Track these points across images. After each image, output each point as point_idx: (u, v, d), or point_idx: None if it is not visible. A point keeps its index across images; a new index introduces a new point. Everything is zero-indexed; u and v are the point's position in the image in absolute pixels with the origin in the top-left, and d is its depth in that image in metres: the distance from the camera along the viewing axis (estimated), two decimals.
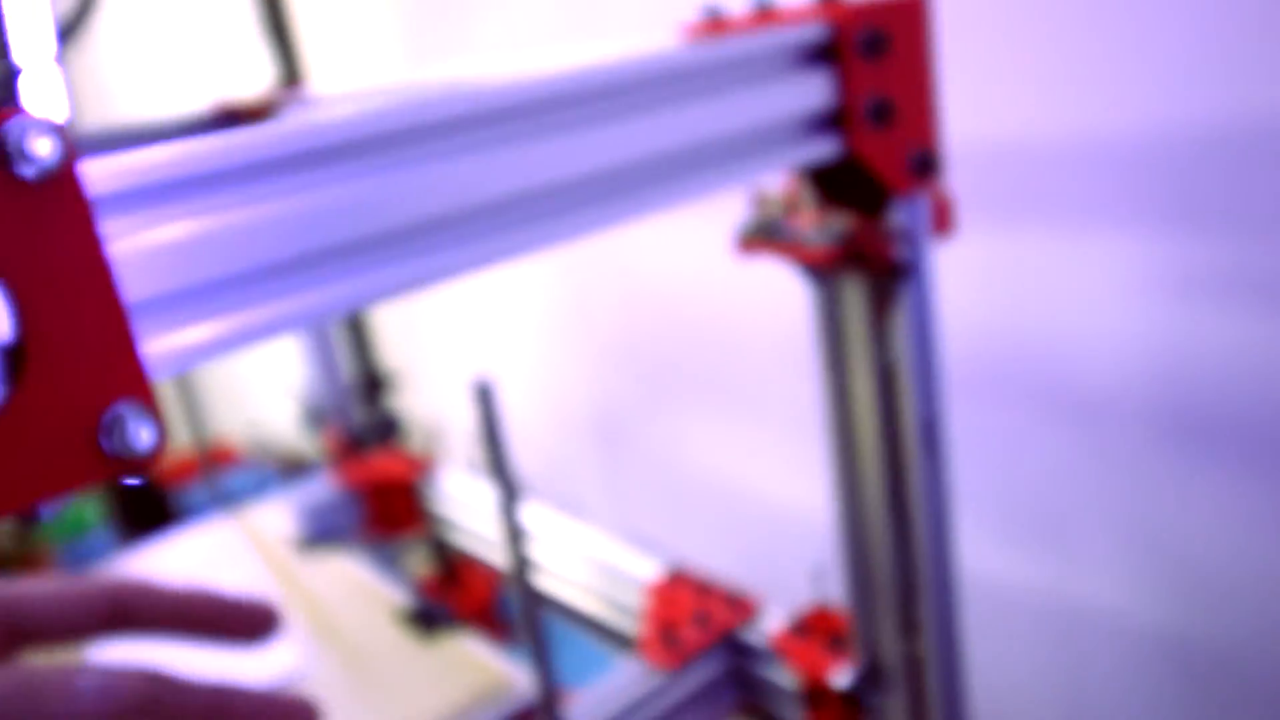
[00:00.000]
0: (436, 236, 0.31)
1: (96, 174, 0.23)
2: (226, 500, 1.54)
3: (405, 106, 0.29)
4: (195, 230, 0.25)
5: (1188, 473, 0.71)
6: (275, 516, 0.80)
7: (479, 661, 0.55)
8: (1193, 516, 0.72)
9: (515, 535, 0.39)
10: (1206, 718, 0.78)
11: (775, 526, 1.11)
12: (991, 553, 0.85)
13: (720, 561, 1.24)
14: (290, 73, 1.41)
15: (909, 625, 0.47)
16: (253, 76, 1.42)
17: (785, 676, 0.55)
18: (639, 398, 1.25)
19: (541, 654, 0.42)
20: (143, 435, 0.20)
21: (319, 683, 0.55)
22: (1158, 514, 0.74)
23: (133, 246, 0.24)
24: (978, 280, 0.75)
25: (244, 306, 0.26)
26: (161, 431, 0.21)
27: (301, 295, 0.28)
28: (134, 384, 0.21)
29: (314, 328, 0.98)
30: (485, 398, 0.38)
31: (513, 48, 1.17)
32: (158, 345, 0.24)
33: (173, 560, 0.75)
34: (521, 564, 0.40)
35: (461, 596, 1.35)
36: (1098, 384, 0.73)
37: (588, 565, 0.69)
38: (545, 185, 0.32)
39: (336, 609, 0.62)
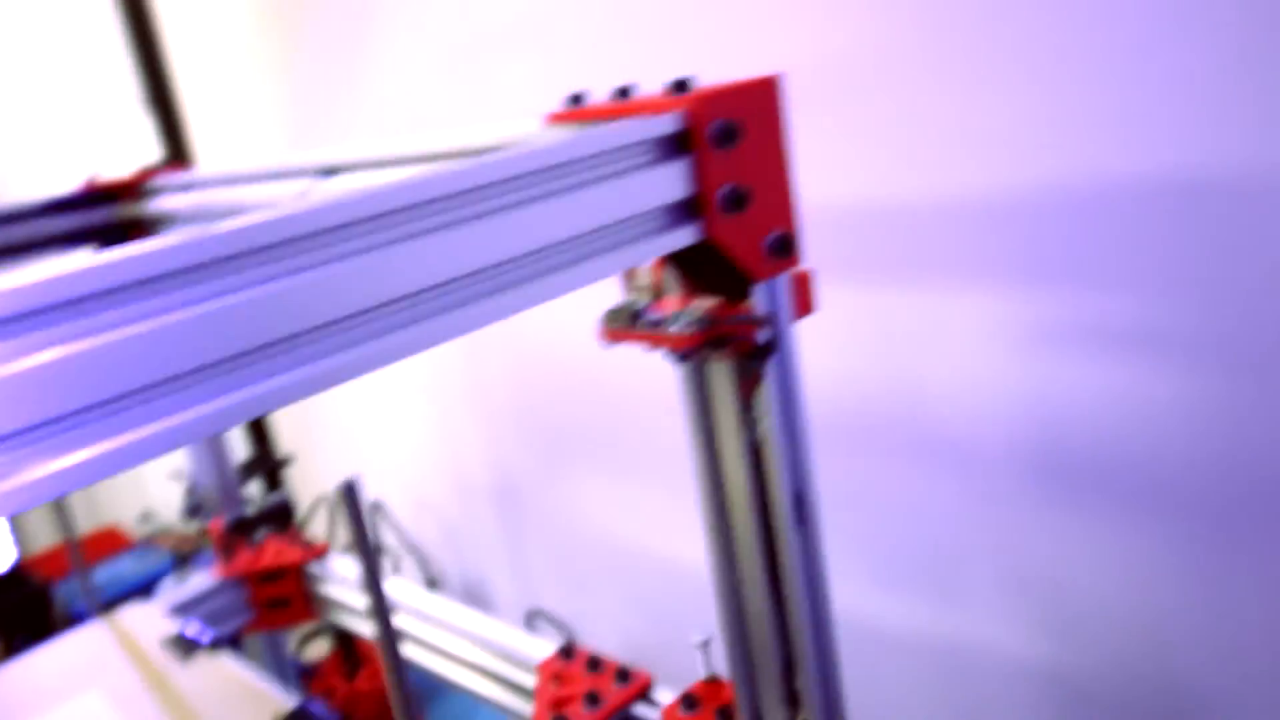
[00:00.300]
0: (316, 343, 0.30)
1: None
2: (116, 590, 1.47)
3: (278, 219, 0.29)
4: (63, 355, 0.24)
5: (1056, 513, 0.74)
6: (154, 615, 0.76)
7: None
8: (1062, 555, 0.75)
9: (387, 636, 0.38)
10: None
11: (671, 586, 1.11)
12: (873, 596, 0.87)
13: (620, 622, 1.23)
14: (175, 148, 1.38)
15: (791, 697, 0.47)
16: (135, 152, 1.39)
17: None
18: (535, 462, 1.25)
19: None
20: None
21: None
22: (1030, 553, 0.76)
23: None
24: (845, 335, 0.78)
25: (120, 430, 0.26)
26: None
27: (181, 413, 0.27)
28: None
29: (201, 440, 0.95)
30: (350, 496, 0.37)
31: (394, 125, 1.18)
32: (27, 474, 0.24)
33: (46, 669, 0.71)
34: (395, 662, 0.39)
35: (362, 676, 1.30)
36: (967, 431, 0.76)
37: (481, 647, 0.68)
38: (417, 288, 0.32)
39: (215, 717, 0.59)
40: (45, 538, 1.91)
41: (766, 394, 0.42)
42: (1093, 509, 0.71)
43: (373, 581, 0.38)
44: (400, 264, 0.32)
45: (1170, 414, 0.65)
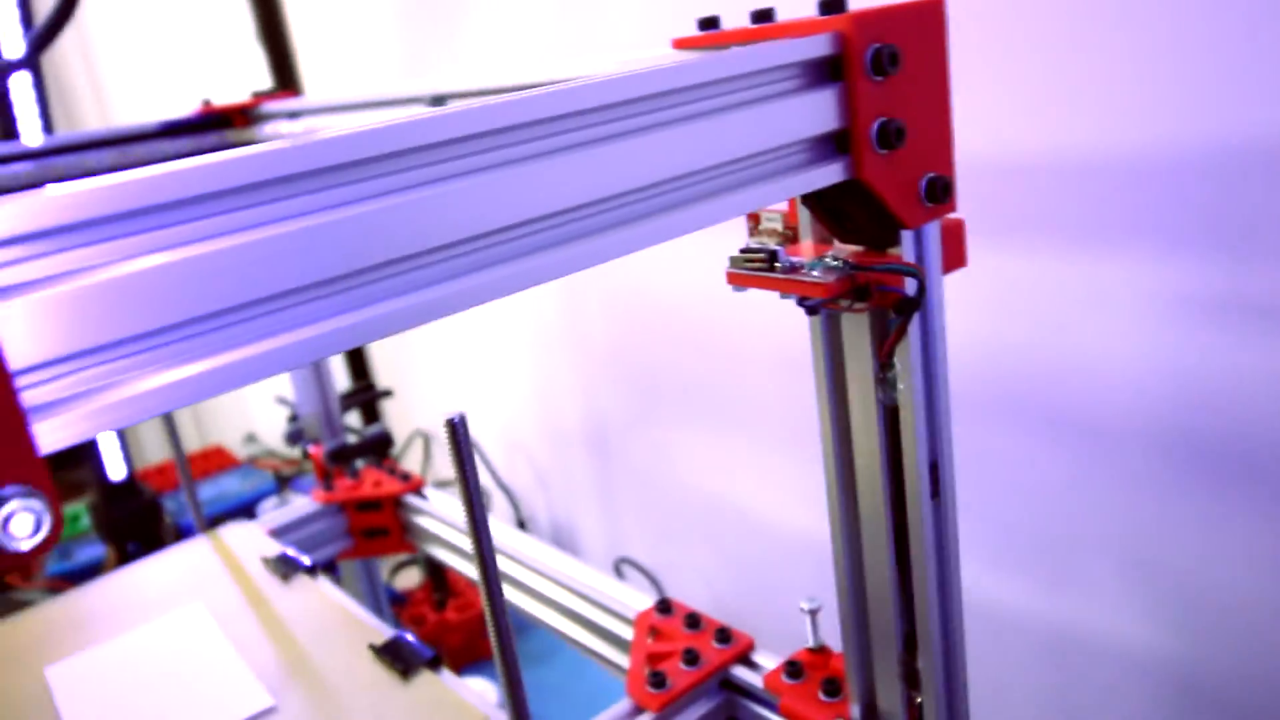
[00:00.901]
0: (429, 268, 0.28)
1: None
2: (220, 507, 1.52)
3: (395, 127, 0.26)
4: (171, 260, 0.23)
5: (1197, 502, 0.68)
6: (256, 534, 0.77)
7: (457, 701, 0.53)
8: (1199, 547, 0.69)
9: (490, 574, 0.37)
10: None
11: (764, 547, 1.09)
12: (989, 574, 0.82)
13: (709, 579, 1.21)
14: (284, 77, 1.39)
15: (910, 676, 0.44)
16: (246, 80, 1.40)
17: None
18: (629, 410, 1.23)
19: (515, 693, 0.39)
20: (21, 527, 0.18)
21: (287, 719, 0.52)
22: (1158, 537, 0.71)
23: (97, 280, 0.21)
24: (985, 296, 0.73)
25: (226, 347, 0.24)
26: (54, 520, 0.18)
27: (288, 333, 0.25)
28: (20, 466, 0.19)
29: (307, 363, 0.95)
30: (456, 432, 0.35)
31: (506, 58, 1.15)
32: (134, 387, 0.22)
33: (154, 578, 0.72)
34: (496, 604, 0.38)
35: (452, 607, 1.32)
36: (1106, 407, 0.71)
37: (574, 592, 0.67)
38: (538, 214, 0.30)
39: (311, 639, 0.59)
40: (157, 453, 1.99)
41: (908, 353, 0.38)
42: (1240, 500, 0.66)
43: (477, 518, 0.36)
44: (522, 185, 0.29)
45: None
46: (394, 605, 1.38)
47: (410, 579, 1.49)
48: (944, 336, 0.39)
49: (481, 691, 1.22)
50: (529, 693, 0.39)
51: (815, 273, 0.37)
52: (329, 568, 1.08)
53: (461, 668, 1.30)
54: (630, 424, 1.24)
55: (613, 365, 1.24)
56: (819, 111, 0.36)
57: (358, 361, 1.57)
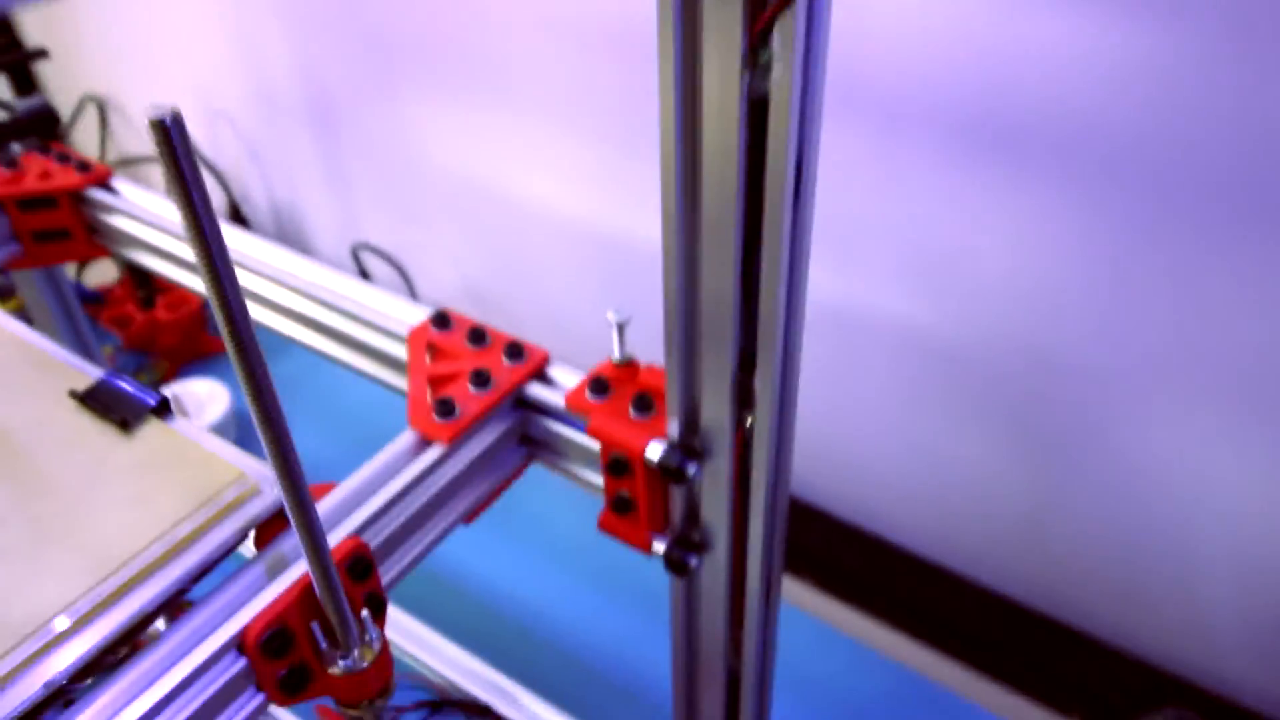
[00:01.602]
0: None
1: None
2: None
3: None
4: None
5: (974, 181, 0.68)
6: None
7: (201, 455, 0.43)
8: (959, 223, 0.70)
9: (233, 315, 0.27)
10: (956, 404, 0.82)
11: (522, 229, 1.01)
12: None
13: (460, 264, 1.13)
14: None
15: (743, 396, 0.40)
16: None
17: (583, 440, 0.48)
18: (359, 75, 1.06)
19: (279, 441, 0.31)
20: None
21: None
22: (928, 219, 0.71)
23: None
24: None
25: None
26: None
27: None
28: None
29: None
30: (169, 136, 0.24)
31: None
32: None
33: None
34: (246, 348, 0.28)
35: (162, 305, 1.16)
36: (895, 91, 0.67)
37: (335, 309, 0.57)
38: None
39: None
40: None
41: (792, 26, 0.29)
42: (1014, 178, 0.65)
43: (209, 244, 0.26)
44: None
45: (1139, 76, 0.58)
46: (89, 307, 1.19)
47: (106, 273, 1.29)
48: (830, 13, 0.30)
49: (209, 394, 1.11)
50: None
51: None
52: None
53: (180, 368, 1.17)
54: (359, 89, 1.07)
55: (334, 18, 1.04)
56: None
57: None
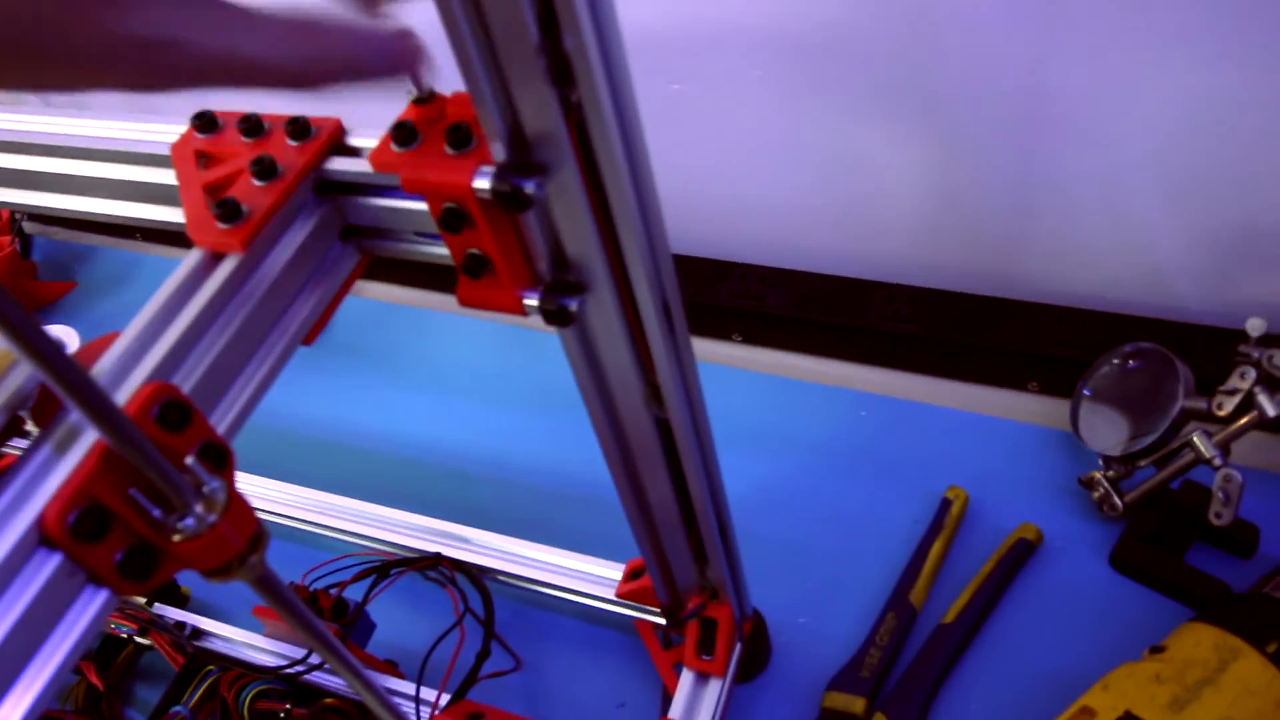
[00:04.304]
0: None
1: None
2: None
3: None
4: None
5: None
6: None
7: None
8: None
9: None
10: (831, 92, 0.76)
11: None
12: None
13: None
14: None
15: (558, 69, 0.32)
16: None
17: (410, 205, 0.40)
18: None
19: None
20: None
21: None
22: None
23: None
24: None
25: None
26: None
27: None
28: None
29: None
30: None
31: None
32: None
33: None
34: None
35: None
36: None
37: (72, 151, 0.47)
38: None
39: None
40: None
41: None
42: None
43: None
44: None
45: None
46: None
47: None
48: None
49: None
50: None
51: None
52: None
53: None
54: None
55: None
56: None
57: None
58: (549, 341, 0.41)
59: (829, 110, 0.76)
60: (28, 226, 1.22)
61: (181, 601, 0.76)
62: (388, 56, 0.35)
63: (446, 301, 0.96)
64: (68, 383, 0.27)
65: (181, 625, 0.71)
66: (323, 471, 0.80)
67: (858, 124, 0.77)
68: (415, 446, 0.86)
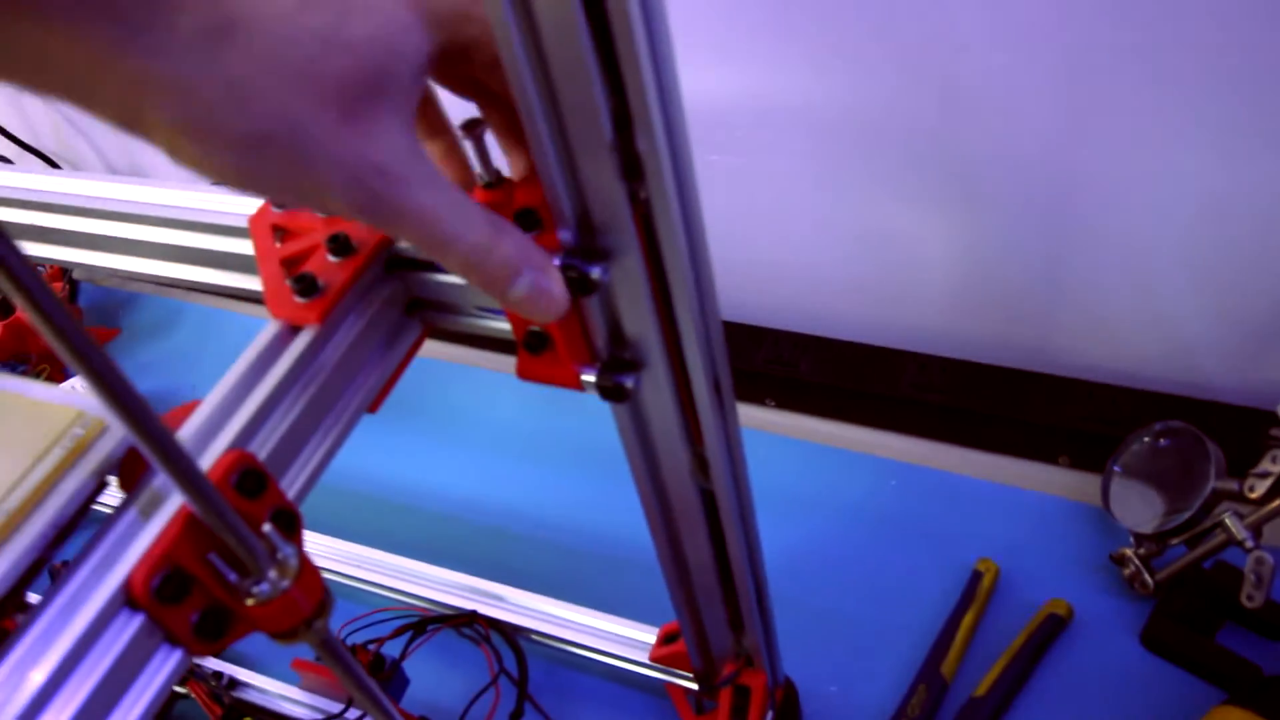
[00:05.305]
0: None
1: None
2: None
3: None
4: None
5: None
6: None
7: (23, 402, 0.36)
8: None
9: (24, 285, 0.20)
10: (876, 175, 0.77)
11: None
12: None
13: None
14: None
15: (629, 165, 0.34)
16: None
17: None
18: None
19: (96, 368, 0.24)
20: None
21: None
22: None
23: None
24: None
25: None
26: None
27: None
28: None
29: None
30: None
31: None
32: None
33: None
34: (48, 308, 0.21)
35: (28, 323, 1.06)
36: None
37: (157, 220, 0.49)
38: None
39: None
40: None
41: None
42: None
43: None
44: None
45: None
46: None
47: None
48: None
49: None
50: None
51: None
52: None
53: (67, 367, 1.08)
54: None
55: None
56: None
57: None
58: (591, 401, 0.42)
59: (865, 184, 0.78)
60: (76, 273, 1.25)
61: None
62: None
63: (487, 358, 0.98)
64: (161, 450, 0.28)
65: (219, 675, 0.72)
66: (360, 525, 0.82)
67: (892, 198, 0.79)
68: (454, 502, 0.87)
